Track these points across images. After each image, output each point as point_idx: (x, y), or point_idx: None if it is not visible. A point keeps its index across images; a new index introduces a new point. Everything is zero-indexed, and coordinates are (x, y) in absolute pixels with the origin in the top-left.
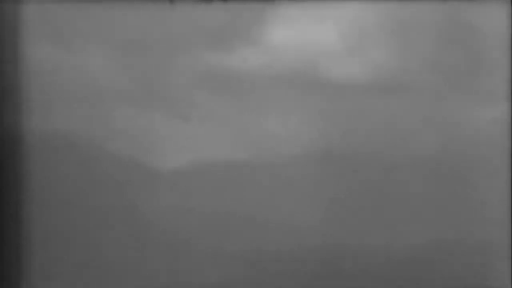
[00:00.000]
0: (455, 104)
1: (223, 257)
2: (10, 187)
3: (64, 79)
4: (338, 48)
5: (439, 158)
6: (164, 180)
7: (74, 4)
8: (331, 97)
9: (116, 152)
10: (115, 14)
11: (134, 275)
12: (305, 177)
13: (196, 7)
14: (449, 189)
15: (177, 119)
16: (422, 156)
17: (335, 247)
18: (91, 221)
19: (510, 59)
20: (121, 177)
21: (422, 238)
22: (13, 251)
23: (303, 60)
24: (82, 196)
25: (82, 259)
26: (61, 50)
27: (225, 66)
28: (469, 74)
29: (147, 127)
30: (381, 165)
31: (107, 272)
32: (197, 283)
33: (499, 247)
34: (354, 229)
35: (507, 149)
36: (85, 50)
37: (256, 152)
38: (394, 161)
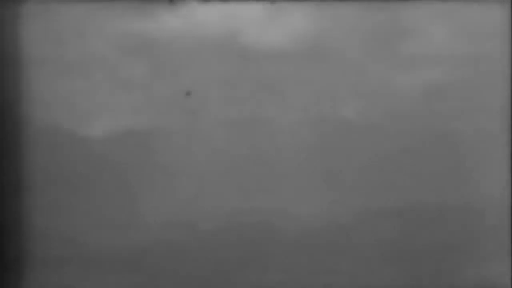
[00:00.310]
0: (380, 72)
1: (156, 222)
2: None
3: None
4: (260, 16)
5: (365, 125)
6: (91, 146)
7: (74, 4)
8: (253, 64)
9: (43, 119)
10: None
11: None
12: (230, 143)
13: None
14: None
15: (103, 86)
16: (348, 121)
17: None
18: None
19: (510, 58)
20: (48, 143)
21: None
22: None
23: (226, 28)
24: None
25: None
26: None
27: (149, 33)
28: (390, 43)
29: (76, 95)
30: (309, 132)
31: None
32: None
33: (499, 246)
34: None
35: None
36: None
37: (181, 118)
38: (321, 127)
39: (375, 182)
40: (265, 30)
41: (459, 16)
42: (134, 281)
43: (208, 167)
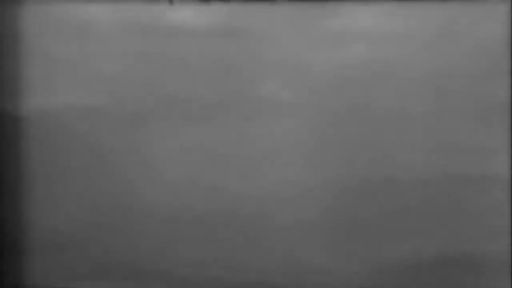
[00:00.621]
0: (295, 48)
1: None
2: None
3: None
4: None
5: (278, 97)
6: (16, 124)
7: (74, 4)
8: (171, 42)
9: None
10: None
11: None
12: (145, 117)
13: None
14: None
15: (28, 67)
16: (261, 94)
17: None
18: None
19: (510, 58)
20: None
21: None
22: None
23: (144, 9)
24: None
25: None
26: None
27: (75, 16)
28: (307, 18)
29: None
30: (224, 104)
31: None
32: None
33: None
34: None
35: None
36: None
37: (108, 97)
38: (242, 104)
39: (299, 157)
40: (179, 9)
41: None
42: None
43: (134, 145)
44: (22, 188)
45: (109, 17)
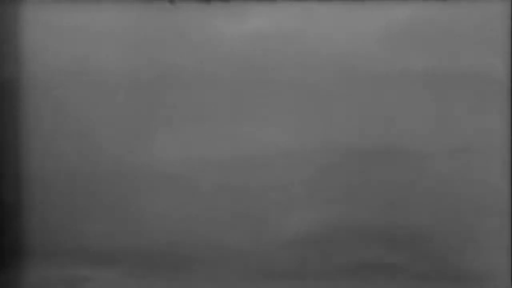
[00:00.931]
0: (209, 22)
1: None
2: None
3: None
4: None
5: (203, 78)
6: None
7: (74, 4)
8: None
9: None
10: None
11: None
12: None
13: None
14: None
15: None
16: (180, 68)
17: None
18: None
19: (510, 59)
20: None
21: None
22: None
23: None
24: None
25: None
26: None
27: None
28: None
29: None
30: (139, 78)
31: None
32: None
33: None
34: None
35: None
36: None
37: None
38: (149, 74)
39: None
40: None
41: None
42: None
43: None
44: None
45: None
